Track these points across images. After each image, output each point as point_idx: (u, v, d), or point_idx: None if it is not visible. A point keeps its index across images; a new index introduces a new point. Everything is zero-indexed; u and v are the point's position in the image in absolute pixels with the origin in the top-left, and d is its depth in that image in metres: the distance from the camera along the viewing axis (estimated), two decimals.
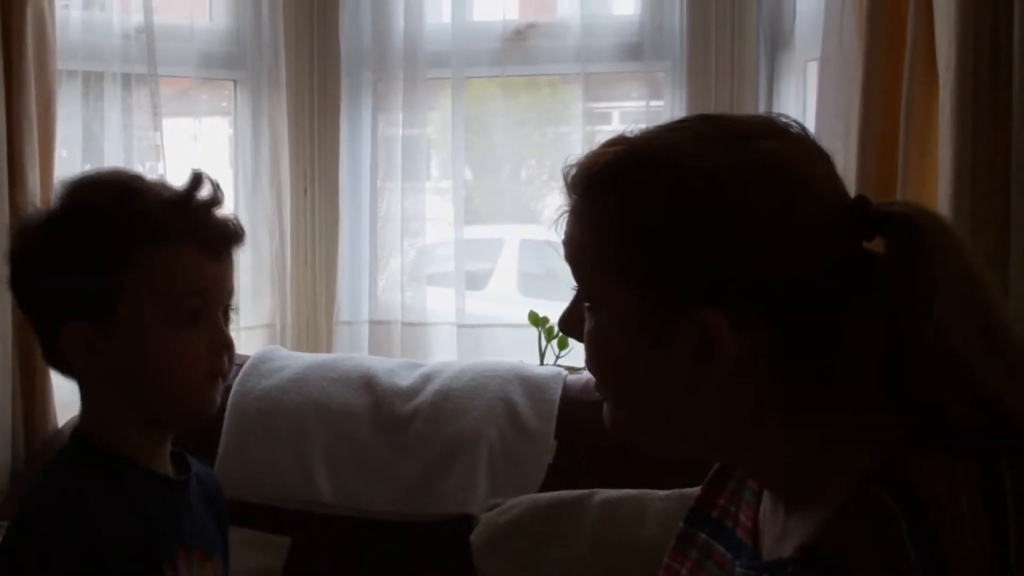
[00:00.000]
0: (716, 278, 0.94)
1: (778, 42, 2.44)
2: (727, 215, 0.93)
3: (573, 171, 1.01)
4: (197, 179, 1.26)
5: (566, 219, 1.02)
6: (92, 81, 2.50)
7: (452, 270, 2.62)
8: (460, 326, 2.60)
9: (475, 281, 2.76)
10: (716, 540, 1.12)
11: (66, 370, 1.28)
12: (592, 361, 1.02)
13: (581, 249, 1.01)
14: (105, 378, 1.24)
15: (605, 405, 1.04)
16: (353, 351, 2.63)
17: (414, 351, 2.60)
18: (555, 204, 1.02)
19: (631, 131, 1.00)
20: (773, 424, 0.98)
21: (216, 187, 1.27)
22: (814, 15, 2.25)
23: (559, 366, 2.38)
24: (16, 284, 1.26)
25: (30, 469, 2.27)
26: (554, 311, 2.50)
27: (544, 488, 2.04)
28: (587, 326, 1.01)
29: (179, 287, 1.23)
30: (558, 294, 2.78)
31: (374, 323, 2.66)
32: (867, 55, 1.94)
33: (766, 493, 1.07)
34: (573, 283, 1.03)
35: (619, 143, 1.00)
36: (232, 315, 1.32)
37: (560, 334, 2.48)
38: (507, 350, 2.60)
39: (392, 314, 2.63)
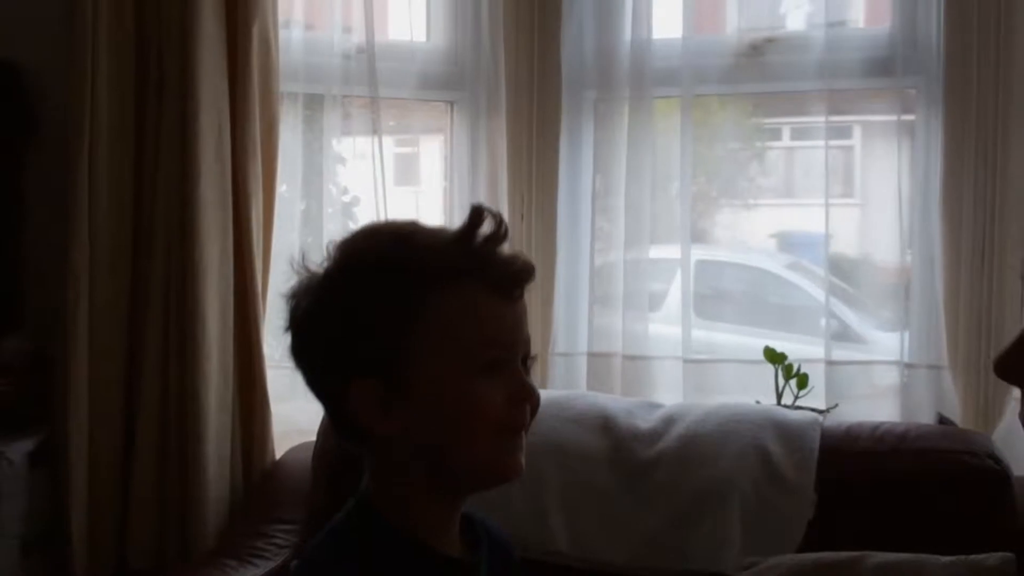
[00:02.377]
0: None
1: None
2: None
3: None
4: (478, 214, 1.12)
5: None
6: (313, 103, 2.43)
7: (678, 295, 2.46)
8: (686, 360, 2.44)
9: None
10: None
11: (357, 437, 1.14)
12: None
13: None
14: (399, 442, 1.11)
15: None
16: (570, 385, 2.49)
17: (636, 386, 2.45)
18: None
19: None
20: None
21: (500, 221, 1.12)
22: None
23: (807, 408, 2.20)
24: (298, 350, 1.15)
25: (248, 502, 2.21)
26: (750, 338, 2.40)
27: (803, 547, 1.86)
28: None
29: (474, 335, 1.09)
30: (734, 317, 2.64)
31: (592, 355, 2.51)
32: None
33: None
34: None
35: None
36: (531, 363, 1.16)
37: (799, 372, 2.31)
38: (738, 388, 2.43)
39: (612, 346, 2.49)
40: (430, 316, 1.08)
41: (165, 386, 2.14)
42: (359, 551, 1.11)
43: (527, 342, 1.14)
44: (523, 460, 1.13)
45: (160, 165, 2.15)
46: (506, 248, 1.13)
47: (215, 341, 2.16)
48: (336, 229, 2.49)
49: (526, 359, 1.14)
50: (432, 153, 2.77)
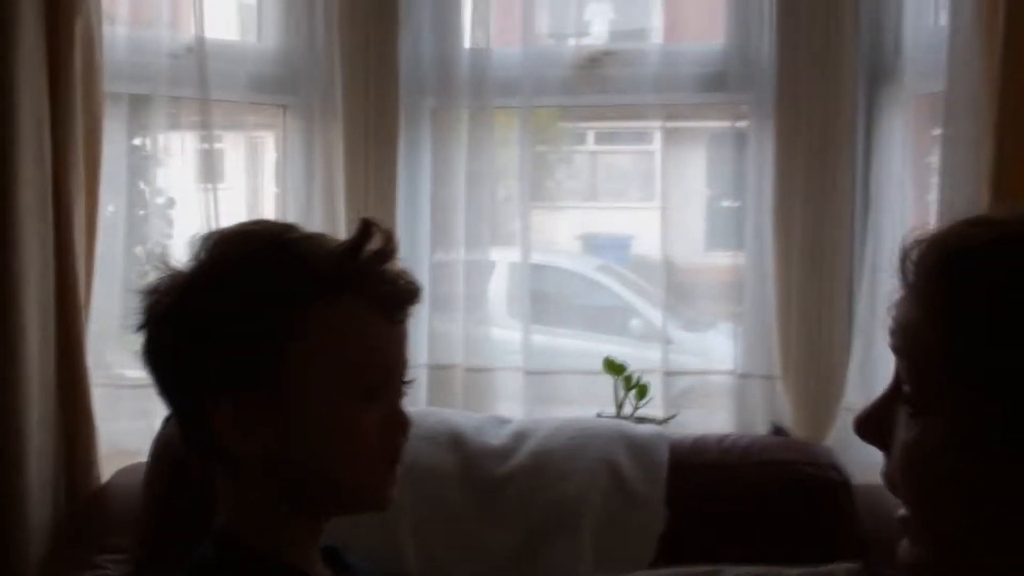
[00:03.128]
0: None
1: (880, 76, 2.29)
2: None
3: (921, 249, 0.85)
4: (366, 228, 1.05)
5: (901, 304, 0.85)
6: (139, 104, 2.30)
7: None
8: (528, 372, 2.42)
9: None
10: None
11: (212, 455, 1.06)
12: (909, 478, 0.85)
13: (920, 343, 0.84)
14: (259, 465, 1.03)
15: (904, 542, 0.87)
16: (411, 399, 2.43)
17: (477, 399, 2.42)
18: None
19: (997, 213, 0.85)
20: None
21: (388, 237, 1.06)
22: (925, 49, 2.12)
23: (649, 419, 2.23)
24: (152, 352, 1.06)
25: (73, 530, 2.07)
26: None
27: (655, 562, 1.87)
28: (907, 434, 0.85)
29: (355, 357, 1.03)
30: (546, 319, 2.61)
31: (433, 368, 2.47)
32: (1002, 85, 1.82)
33: None
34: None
35: (986, 224, 0.84)
36: (407, 389, 1.12)
37: (639, 383, 2.33)
38: (578, 398, 2.44)
39: (453, 357, 2.45)
40: (310, 332, 1.02)
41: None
42: None
43: (406, 366, 1.10)
44: (394, 494, 1.09)
45: None
46: (393, 266, 1.07)
47: (35, 357, 2.01)
48: (158, 235, 2.38)
49: (403, 385, 1.10)
50: (263, 152, 2.67)
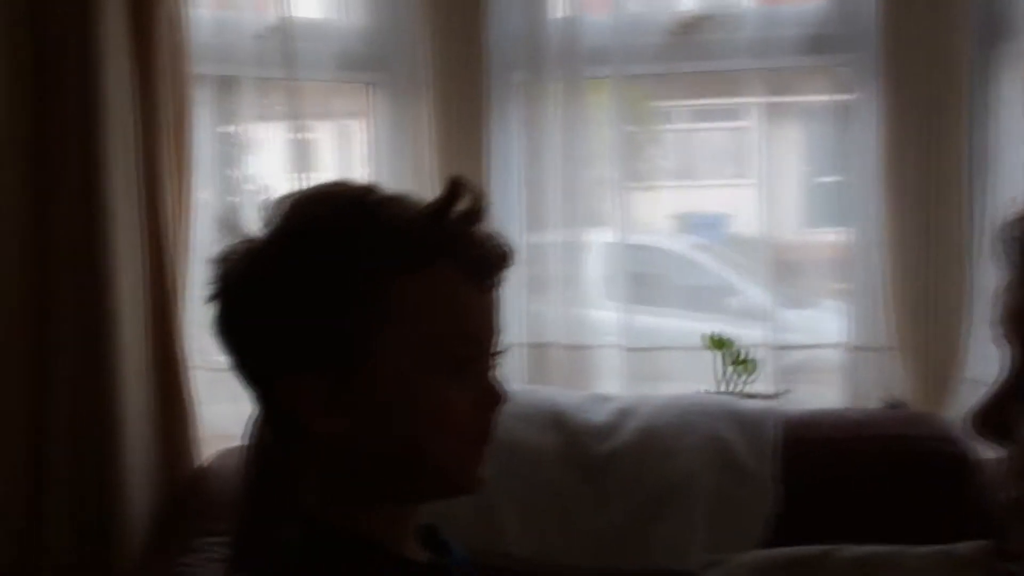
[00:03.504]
0: None
1: (994, 33, 2.17)
2: None
3: None
4: (456, 187, 0.96)
5: (1009, 287, 0.77)
6: (226, 86, 2.28)
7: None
8: (629, 349, 2.35)
9: None
10: None
11: (293, 435, 0.99)
12: None
13: None
14: (343, 445, 0.96)
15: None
16: (510, 379, 2.38)
17: (577, 377, 2.35)
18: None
19: None
20: None
21: (478, 196, 0.97)
22: None
23: (758, 395, 2.14)
24: (225, 325, 0.98)
25: (174, 515, 2.05)
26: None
27: (769, 542, 1.79)
28: None
29: (446, 328, 0.95)
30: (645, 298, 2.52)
31: (532, 346, 2.41)
32: None
33: None
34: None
35: None
36: (499, 360, 1.03)
37: (747, 359, 2.24)
38: (679, 375, 2.36)
39: (552, 336, 2.39)
40: (395, 303, 0.93)
41: (76, 395, 1.96)
42: (328, 568, 0.97)
43: (498, 335, 1.01)
44: (484, 476, 1.01)
45: (64, 158, 1.97)
46: (483, 228, 0.99)
47: (131, 343, 2.00)
48: (249, 220, 2.35)
49: (494, 355, 1.01)
50: (352, 138, 2.62)
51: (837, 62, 2.31)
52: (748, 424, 1.89)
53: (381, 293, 0.93)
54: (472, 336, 0.97)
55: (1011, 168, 2.13)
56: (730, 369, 2.25)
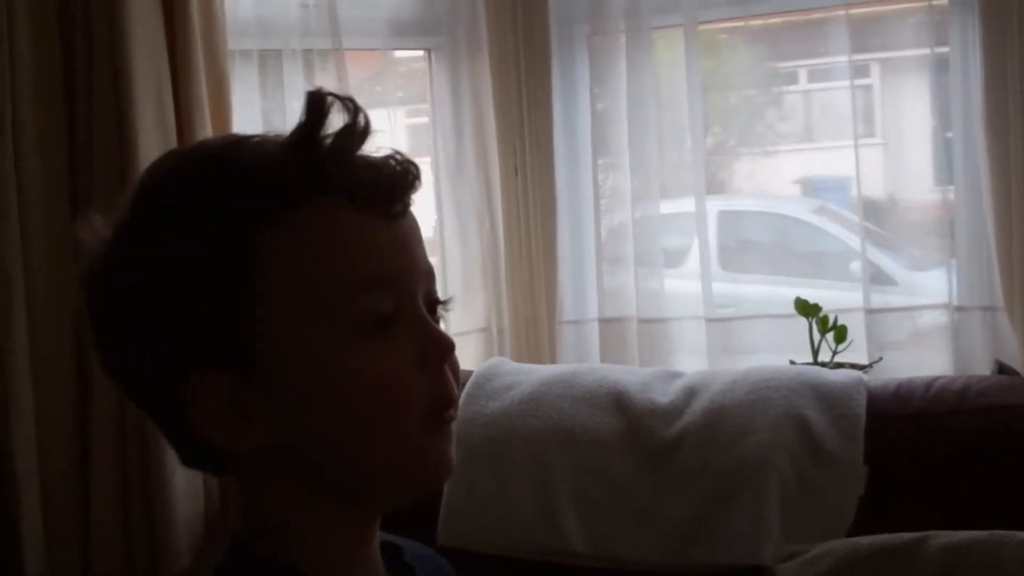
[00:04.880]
0: None
1: None
2: None
3: None
4: (318, 100, 0.75)
5: None
6: (269, 60, 2.17)
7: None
8: (709, 320, 2.17)
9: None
10: None
11: (201, 458, 0.80)
12: None
13: None
14: (267, 456, 0.76)
15: None
16: (582, 356, 2.23)
17: (655, 352, 2.18)
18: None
19: None
20: None
21: (355, 108, 0.76)
22: None
23: (847, 365, 1.94)
24: (93, 339, 0.79)
25: (225, 515, 1.96)
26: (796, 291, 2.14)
27: (854, 529, 1.60)
28: None
29: (341, 273, 0.74)
30: (760, 267, 2.40)
31: (604, 321, 2.25)
32: None
33: None
34: None
35: None
36: (443, 312, 0.81)
37: (836, 325, 2.04)
38: (769, 346, 2.17)
39: (625, 309, 2.22)
40: (271, 263, 0.73)
41: (120, 399, 1.88)
42: None
43: (429, 277, 0.79)
44: (452, 451, 0.78)
45: (95, 140, 1.89)
46: (366, 147, 0.77)
47: None
48: None
49: (434, 304, 0.80)
50: (418, 115, 2.49)
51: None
52: (831, 399, 1.70)
53: (249, 252, 0.73)
54: (377, 280, 0.75)
55: None
56: (821, 337, 2.04)
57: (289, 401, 0.74)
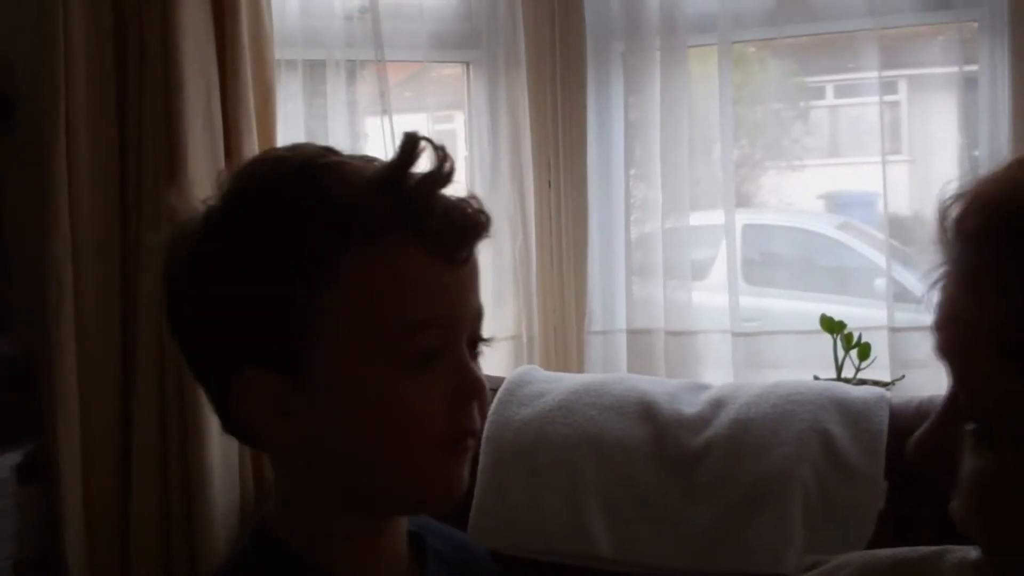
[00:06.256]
0: None
1: None
2: None
3: (961, 207, 0.62)
4: (411, 143, 0.82)
5: (944, 286, 0.63)
6: (313, 70, 2.23)
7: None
8: (735, 334, 2.22)
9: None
10: None
11: (248, 438, 0.89)
12: (983, 517, 0.65)
13: (973, 337, 0.62)
14: (299, 452, 0.85)
15: None
16: (609, 366, 2.28)
17: (681, 364, 2.23)
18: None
19: None
20: None
21: (444, 155, 0.83)
22: None
23: (871, 381, 1.99)
24: (170, 320, 0.87)
25: (260, 507, 2.02)
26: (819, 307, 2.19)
27: (874, 542, 1.64)
28: (974, 462, 0.63)
29: (400, 313, 0.81)
30: (784, 282, 2.43)
31: (632, 332, 2.30)
32: None
33: None
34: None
35: None
36: (483, 349, 0.89)
37: (860, 342, 2.08)
38: (794, 361, 2.21)
39: (653, 322, 2.27)
40: (341, 286, 0.80)
41: (162, 388, 1.94)
42: None
43: (477, 318, 0.86)
44: (466, 474, 0.86)
45: (145, 144, 1.95)
46: (451, 193, 0.84)
47: None
48: None
49: (476, 341, 0.87)
50: (449, 121, 2.56)
51: (959, 18, 2.11)
52: (854, 414, 1.74)
53: (322, 279, 0.80)
54: (434, 322, 0.83)
55: None
56: (845, 354, 2.09)
57: (329, 410, 0.82)
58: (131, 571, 1.96)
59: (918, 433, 0.68)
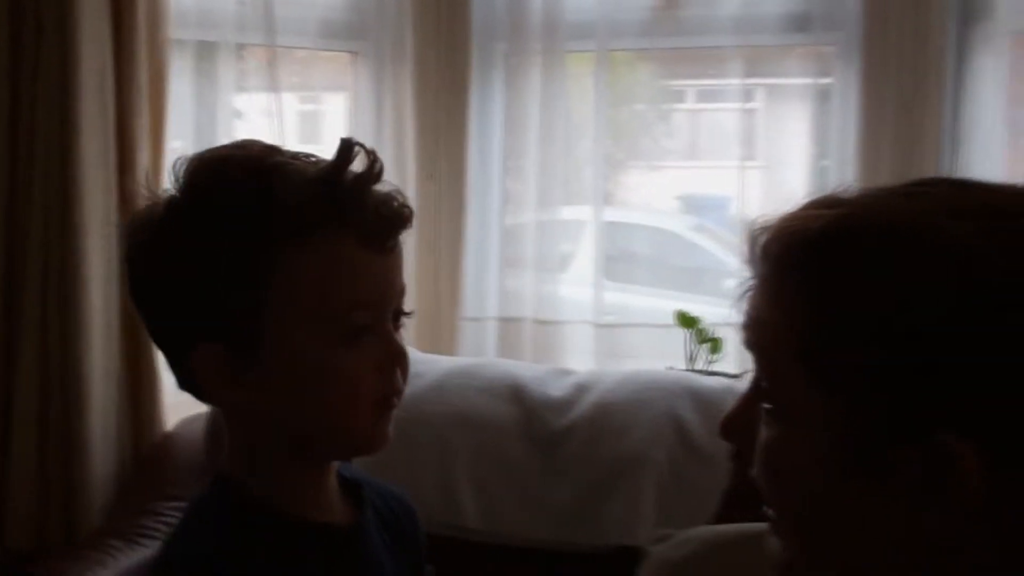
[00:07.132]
0: (970, 394, 0.71)
1: (973, 13, 2.16)
2: (1004, 316, 0.71)
3: (767, 235, 0.78)
4: (347, 148, 0.94)
5: (752, 296, 0.79)
6: (205, 52, 2.28)
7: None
8: (598, 325, 2.36)
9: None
10: None
11: (203, 397, 1.03)
12: (771, 482, 0.80)
13: (773, 338, 0.77)
14: (250, 412, 0.98)
15: (773, 539, 0.83)
16: (480, 351, 2.40)
17: (547, 352, 2.37)
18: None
19: (845, 191, 0.79)
20: None
21: (374, 158, 0.96)
22: None
23: (721, 374, 2.15)
24: (133, 295, 1.00)
25: (137, 478, 2.08)
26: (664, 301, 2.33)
27: (720, 518, 1.80)
28: (766, 434, 0.78)
29: (339, 297, 0.95)
30: (640, 278, 2.58)
31: (503, 320, 2.42)
32: None
33: None
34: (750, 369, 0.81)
35: (835, 205, 0.77)
36: (404, 321, 1.02)
37: (712, 336, 2.25)
38: (650, 353, 2.37)
39: (523, 310, 2.40)
40: (287, 274, 0.93)
41: (44, 356, 1.98)
42: (216, 526, 0.99)
43: (401, 295, 1.00)
44: (391, 430, 1.00)
45: (37, 118, 1.98)
46: (380, 189, 0.97)
47: (98, 306, 2.01)
48: None
49: (398, 315, 1.01)
50: (334, 109, 2.63)
51: (818, 41, 2.30)
52: (705, 401, 1.90)
53: (268, 264, 0.93)
54: (367, 303, 0.96)
55: (986, 147, 2.13)
56: (697, 347, 2.25)
57: (277, 378, 0.96)
58: (5, 534, 1.99)
59: (727, 411, 0.82)
